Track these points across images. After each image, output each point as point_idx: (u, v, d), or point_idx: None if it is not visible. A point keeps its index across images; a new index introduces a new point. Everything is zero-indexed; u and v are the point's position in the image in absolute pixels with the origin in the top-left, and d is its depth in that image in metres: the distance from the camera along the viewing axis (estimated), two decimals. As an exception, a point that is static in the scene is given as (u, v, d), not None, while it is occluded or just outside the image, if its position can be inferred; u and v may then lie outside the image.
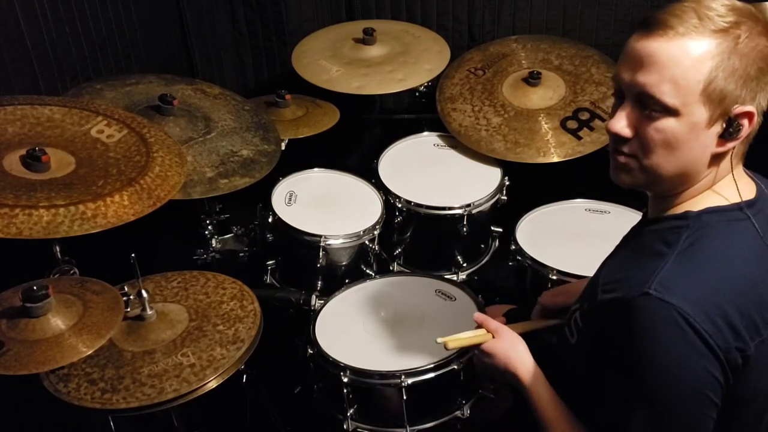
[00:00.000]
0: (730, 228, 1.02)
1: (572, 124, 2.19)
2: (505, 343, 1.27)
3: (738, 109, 0.97)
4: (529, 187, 2.19)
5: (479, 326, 1.34)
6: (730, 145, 1.00)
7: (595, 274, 1.17)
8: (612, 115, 1.05)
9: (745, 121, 0.98)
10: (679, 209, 1.06)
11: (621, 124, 1.02)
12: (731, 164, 1.03)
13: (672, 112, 0.97)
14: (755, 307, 0.98)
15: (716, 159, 1.02)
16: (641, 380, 0.97)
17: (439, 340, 1.34)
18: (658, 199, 1.10)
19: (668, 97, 0.96)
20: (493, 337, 1.30)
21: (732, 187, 1.04)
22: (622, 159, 1.06)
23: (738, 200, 1.04)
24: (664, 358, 0.95)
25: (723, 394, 0.98)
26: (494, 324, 1.31)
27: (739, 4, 0.98)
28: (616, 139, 1.04)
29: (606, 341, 1.02)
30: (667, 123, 0.98)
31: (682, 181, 1.05)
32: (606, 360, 1.03)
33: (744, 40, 0.95)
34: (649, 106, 0.99)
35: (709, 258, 0.99)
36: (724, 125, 0.98)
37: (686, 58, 0.95)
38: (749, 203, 1.04)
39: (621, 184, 1.09)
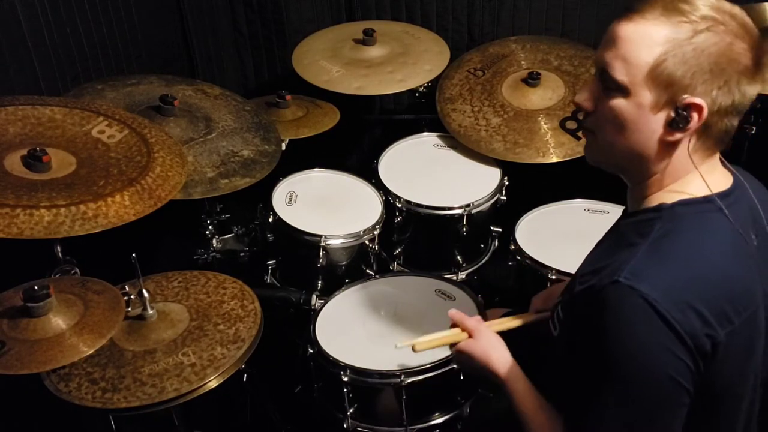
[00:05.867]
0: (702, 219, 1.04)
1: (571, 125, 2.19)
2: (483, 342, 1.27)
3: (687, 99, 0.99)
4: (529, 187, 2.19)
5: (454, 325, 1.33)
6: (678, 135, 1.02)
7: (578, 268, 1.19)
8: None
9: (695, 114, 1.00)
10: (653, 202, 1.09)
11: (583, 96, 1.09)
12: (691, 159, 1.04)
13: (623, 90, 1.02)
14: (725, 296, 0.99)
15: (669, 148, 1.04)
16: (608, 364, 0.99)
17: (400, 344, 1.29)
18: (634, 193, 1.13)
19: (618, 74, 1.02)
20: (470, 336, 1.29)
21: (702, 182, 1.06)
22: (584, 135, 1.13)
23: (708, 193, 1.06)
24: (631, 341, 0.97)
25: (694, 379, 0.99)
26: (471, 323, 1.30)
27: (724, 4, 1.00)
28: (581, 111, 1.12)
29: (580, 330, 1.05)
30: (618, 102, 1.03)
31: (637, 164, 1.07)
32: (580, 348, 1.05)
33: (703, 32, 0.97)
34: (606, 83, 1.04)
35: (679, 248, 1.01)
36: (672, 114, 1.01)
37: (641, 40, 1.00)
38: (722, 194, 1.06)
39: (589, 162, 1.14)
